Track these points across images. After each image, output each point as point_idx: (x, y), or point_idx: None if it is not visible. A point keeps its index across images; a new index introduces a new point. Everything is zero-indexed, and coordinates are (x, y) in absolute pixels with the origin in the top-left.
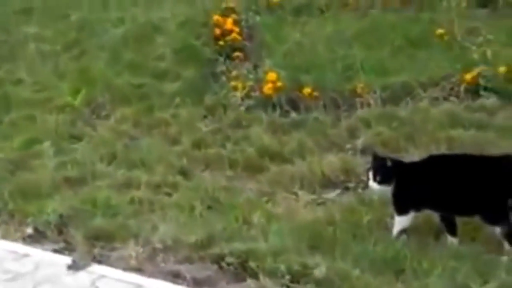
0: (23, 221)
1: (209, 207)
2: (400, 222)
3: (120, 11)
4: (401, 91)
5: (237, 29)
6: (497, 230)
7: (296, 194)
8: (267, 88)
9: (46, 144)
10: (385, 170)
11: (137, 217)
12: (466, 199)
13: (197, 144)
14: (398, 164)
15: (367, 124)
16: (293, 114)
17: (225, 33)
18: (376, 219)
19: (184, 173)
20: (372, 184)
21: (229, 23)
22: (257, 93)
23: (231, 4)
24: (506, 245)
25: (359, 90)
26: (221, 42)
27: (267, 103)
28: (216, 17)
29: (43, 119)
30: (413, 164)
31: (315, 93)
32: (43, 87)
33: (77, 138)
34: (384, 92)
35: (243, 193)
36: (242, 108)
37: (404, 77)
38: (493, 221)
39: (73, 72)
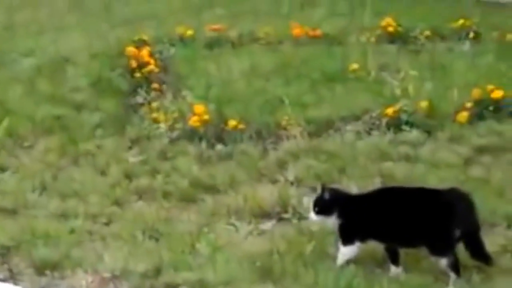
0: None
1: (150, 237)
2: (345, 252)
3: (28, 42)
4: (324, 125)
5: (153, 61)
6: (443, 261)
7: (234, 225)
8: (194, 121)
9: None
10: (322, 202)
11: (79, 246)
12: (411, 231)
13: (127, 175)
14: (342, 196)
15: (295, 157)
16: (219, 146)
17: (142, 65)
18: (318, 249)
19: (118, 203)
20: (311, 215)
21: (145, 55)
22: (181, 125)
23: (144, 36)
24: (452, 276)
25: (284, 123)
26: (138, 74)
27: (192, 135)
28: (129, 49)
29: None
30: (360, 196)
31: (241, 126)
32: None
33: (2, 169)
34: (307, 125)
35: (182, 223)
36: (167, 140)
37: (324, 111)
38: (438, 253)
39: None
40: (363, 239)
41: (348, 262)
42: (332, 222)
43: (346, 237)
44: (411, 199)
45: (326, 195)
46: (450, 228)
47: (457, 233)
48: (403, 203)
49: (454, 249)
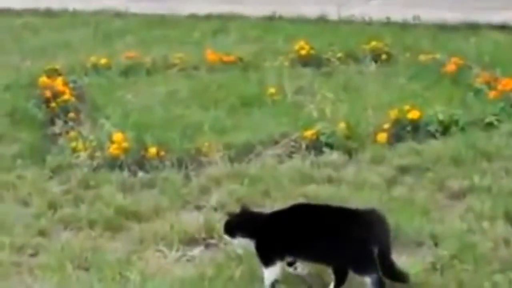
0: None
1: (80, 267)
2: (269, 274)
3: None
4: (243, 149)
5: (68, 90)
6: (367, 280)
7: (162, 251)
8: (113, 148)
9: None
10: (232, 224)
11: (6, 279)
12: (330, 247)
13: (51, 205)
14: (253, 216)
15: (218, 182)
16: (141, 174)
17: (56, 94)
18: (248, 272)
19: (44, 234)
20: (226, 238)
21: (59, 84)
22: (100, 154)
23: (56, 66)
24: None
25: (204, 149)
26: (53, 104)
27: (113, 163)
28: (42, 79)
29: None
30: (275, 214)
31: (161, 153)
32: None
33: None
34: (228, 150)
35: (111, 252)
36: (88, 169)
37: (243, 136)
38: (362, 272)
39: None
40: (282, 257)
41: (276, 284)
42: (247, 243)
43: (265, 258)
44: (326, 214)
45: (234, 217)
46: (370, 247)
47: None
48: (319, 219)
49: (377, 268)
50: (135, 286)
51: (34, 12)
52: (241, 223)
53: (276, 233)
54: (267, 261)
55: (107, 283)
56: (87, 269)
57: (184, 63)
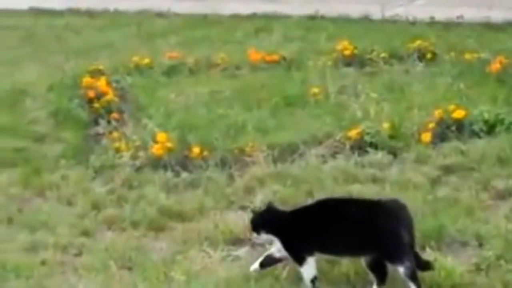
0: None
1: (123, 267)
2: (306, 271)
3: None
4: (287, 149)
5: (111, 91)
6: (400, 269)
7: (206, 251)
8: (157, 149)
9: None
10: (254, 220)
11: (51, 278)
12: (358, 240)
13: (94, 205)
14: (277, 213)
15: (261, 182)
16: (184, 174)
17: (99, 95)
18: (293, 273)
19: (87, 234)
20: (254, 236)
21: (102, 84)
22: (143, 154)
23: (99, 66)
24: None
25: (248, 149)
26: (96, 104)
27: (157, 163)
28: (86, 79)
29: None
30: (298, 211)
31: (205, 153)
32: None
33: None
34: (271, 150)
35: (155, 252)
36: (131, 169)
37: (287, 136)
38: (396, 260)
39: None
40: (311, 253)
41: (316, 281)
42: (272, 240)
43: (296, 257)
44: (351, 207)
45: (259, 214)
46: (401, 235)
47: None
48: (344, 212)
49: (410, 255)
50: (179, 285)
51: (76, 12)
52: (265, 220)
53: (300, 230)
54: (299, 259)
55: (151, 282)
56: (130, 269)
57: (227, 63)
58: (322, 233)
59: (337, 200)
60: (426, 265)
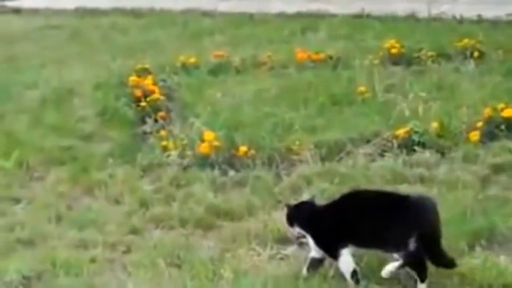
0: None
1: (172, 265)
2: (343, 265)
3: (31, 74)
4: (334, 148)
5: (157, 89)
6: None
7: (255, 250)
8: (204, 147)
9: None
10: (288, 214)
11: (101, 275)
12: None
13: (142, 203)
14: (308, 207)
15: (309, 181)
16: (232, 173)
17: (146, 93)
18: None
19: (136, 232)
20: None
21: (149, 83)
22: (191, 152)
23: (146, 65)
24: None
25: (295, 148)
26: (143, 103)
27: (204, 162)
28: (132, 78)
29: None
30: (327, 206)
31: (252, 152)
32: None
33: (16, 200)
34: (318, 149)
35: (203, 250)
36: (178, 167)
37: (334, 134)
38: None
39: None
40: (343, 246)
41: (356, 274)
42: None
43: (328, 251)
44: (374, 201)
45: (293, 207)
46: (416, 234)
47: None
48: (367, 206)
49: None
50: (228, 283)
51: (122, 11)
52: (297, 213)
53: (329, 223)
54: (332, 253)
55: (200, 280)
56: (179, 267)
57: (273, 62)
58: (349, 225)
59: (366, 193)
60: (450, 263)
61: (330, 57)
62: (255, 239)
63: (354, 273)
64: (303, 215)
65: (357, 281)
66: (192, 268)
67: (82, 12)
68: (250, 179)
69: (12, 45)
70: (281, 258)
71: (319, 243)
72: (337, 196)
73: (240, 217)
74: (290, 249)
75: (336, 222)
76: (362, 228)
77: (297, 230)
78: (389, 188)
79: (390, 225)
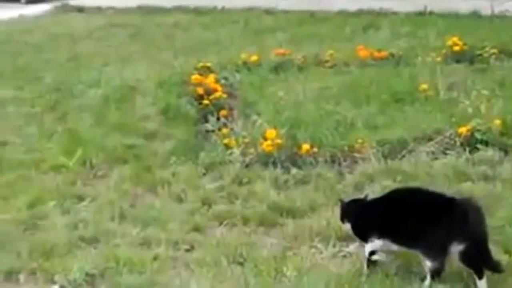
0: (47, 280)
1: (235, 262)
2: (368, 247)
3: (93, 72)
4: (397, 146)
5: (219, 88)
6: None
7: (317, 248)
8: (266, 145)
9: (51, 204)
10: (340, 210)
11: (163, 273)
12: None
13: (205, 201)
14: (356, 202)
15: (371, 179)
16: (295, 170)
17: (209, 91)
18: (404, 269)
19: (198, 229)
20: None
21: (211, 81)
22: (253, 150)
23: (208, 63)
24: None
25: (357, 146)
26: (205, 101)
27: (266, 160)
28: (195, 76)
29: (40, 179)
30: (371, 200)
31: (314, 149)
32: (31, 148)
33: (79, 198)
34: (381, 147)
35: (266, 247)
36: (241, 165)
37: (396, 132)
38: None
39: (60, 133)
40: (377, 237)
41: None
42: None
43: (361, 237)
44: (417, 201)
45: (344, 204)
46: (448, 238)
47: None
48: (407, 204)
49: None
50: (290, 281)
51: (184, 10)
52: (347, 209)
53: (370, 216)
54: (365, 239)
55: (263, 278)
56: (242, 264)
57: (335, 59)
58: (389, 220)
59: (412, 191)
60: (496, 266)
61: (392, 55)
62: (318, 236)
63: (372, 253)
64: (351, 210)
65: (370, 261)
66: (254, 266)
67: (145, 10)
68: (312, 177)
69: (75, 44)
70: (343, 256)
71: (356, 231)
72: (384, 192)
73: (302, 215)
74: (352, 247)
75: (377, 216)
76: (402, 225)
77: (348, 226)
78: (444, 187)
79: (430, 228)
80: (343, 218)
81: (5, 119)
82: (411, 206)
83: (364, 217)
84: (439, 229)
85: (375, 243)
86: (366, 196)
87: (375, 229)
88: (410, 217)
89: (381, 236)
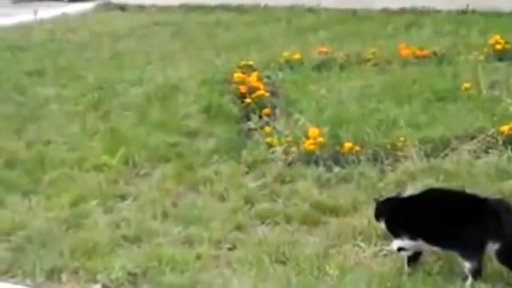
0: (89, 279)
1: (277, 261)
2: (396, 242)
3: (136, 71)
4: (439, 144)
5: (262, 86)
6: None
7: (360, 246)
8: (309, 144)
9: (93, 203)
10: (375, 209)
11: (206, 272)
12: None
13: (247, 200)
14: (390, 201)
15: (413, 177)
16: (337, 169)
17: (251, 90)
18: (446, 268)
19: (241, 228)
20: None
21: (253, 80)
22: (295, 149)
23: (250, 61)
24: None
25: (400, 144)
26: (248, 99)
27: (309, 158)
28: (237, 75)
29: (82, 178)
30: (405, 198)
31: (356, 148)
32: (74, 146)
33: (122, 197)
34: (423, 145)
35: (308, 246)
36: (283, 164)
37: (439, 131)
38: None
39: (103, 132)
40: (409, 236)
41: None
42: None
43: (393, 233)
44: (450, 201)
45: (379, 202)
46: (483, 238)
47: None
48: (441, 204)
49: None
50: (333, 280)
51: (226, 8)
52: (381, 207)
53: (404, 215)
54: (396, 235)
55: (305, 276)
56: (284, 263)
57: (377, 58)
58: (422, 220)
59: (445, 192)
60: None
61: (435, 53)
62: (360, 235)
63: (400, 249)
64: (385, 208)
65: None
66: (297, 265)
67: (187, 8)
68: (354, 176)
69: (118, 42)
70: (385, 255)
71: (390, 229)
72: (418, 191)
73: (345, 213)
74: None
75: (410, 215)
76: (436, 226)
77: (383, 225)
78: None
79: (465, 228)
80: (377, 216)
81: (48, 117)
82: (444, 206)
83: (397, 216)
84: (474, 229)
85: (407, 242)
86: (399, 194)
87: (408, 228)
88: (444, 217)
89: (414, 235)
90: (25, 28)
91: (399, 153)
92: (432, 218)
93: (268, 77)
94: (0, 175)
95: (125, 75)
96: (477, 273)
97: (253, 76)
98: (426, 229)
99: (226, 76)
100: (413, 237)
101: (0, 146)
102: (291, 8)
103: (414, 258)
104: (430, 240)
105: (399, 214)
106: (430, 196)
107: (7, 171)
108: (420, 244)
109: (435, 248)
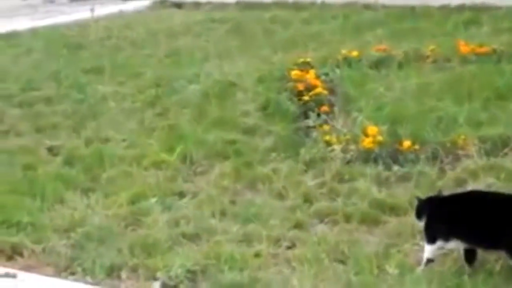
0: (148, 276)
1: (336, 260)
2: (427, 250)
3: (193, 68)
4: (499, 143)
5: (319, 83)
6: None
7: (420, 245)
8: (367, 142)
9: (152, 201)
10: (416, 207)
11: (265, 270)
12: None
13: (306, 198)
14: (430, 199)
15: (474, 176)
16: (396, 167)
17: (309, 87)
18: (507, 267)
19: (300, 226)
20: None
21: (311, 77)
22: (354, 147)
23: (307, 58)
24: None
25: (459, 142)
26: (305, 97)
27: (367, 156)
28: (295, 72)
29: (141, 175)
30: (446, 198)
31: (416, 146)
32: (132, 144)
33: (180, 194)
34: (483, 143)
35: (367, 245)
36: (341, 162)
37: (499, 129)
38: None
39: (161, 129)
40: (445, 238)
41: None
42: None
43: (429, 236)
44: (493, 202)
45: (421, 201)
46: None
47: None
48: (484, 206)
49: None
50: (393, 279)
51: (283, 5)
52: (422, 206)
53: (438, 214)
54: (429, 239)
55: (365, 276)
56: (343, 262)
57: (436, 55)
58: (459, 221)
59: (486, 193)
60: None
61: (494, 51)
62: (420, 234)
63: (429, 261)
64: (424, 206)
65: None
66: (356, 264)
67: (243, 6)
68: (414, 174)
69: (175, 39)
70: (446, 253)
71: (425, 229)
72: (458, 192)
73: (404, 212)
74: (453, 244)
75: (450, 215)
76: (480, 225)
77: (422, 222)
78: None
79: (506, 225)
80: (419, 215)
81: (106, 115)
82: (486, 206)
83: (439, 216)
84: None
85: (435, 247)
86: (439, 193)
87: (448, 227)
88: (486, 217)
89: (454, 235)
90: (82, 26)
91: (459, 152)
92: (475, 217)
93: (326, 74)
94: (59, 172)
95: (183, 72)
96: None
97: (311, 73)
98: (469, 228)
99: (283, 73)
100: (453, 236)
101: (60, 143)
102: (348, 5)
103: (472, 257)
104: (473, 240)
105: (441, 214)
106: (474, 195)
107: (67, 169)
108: (458, 245)
109: (476, 248)
